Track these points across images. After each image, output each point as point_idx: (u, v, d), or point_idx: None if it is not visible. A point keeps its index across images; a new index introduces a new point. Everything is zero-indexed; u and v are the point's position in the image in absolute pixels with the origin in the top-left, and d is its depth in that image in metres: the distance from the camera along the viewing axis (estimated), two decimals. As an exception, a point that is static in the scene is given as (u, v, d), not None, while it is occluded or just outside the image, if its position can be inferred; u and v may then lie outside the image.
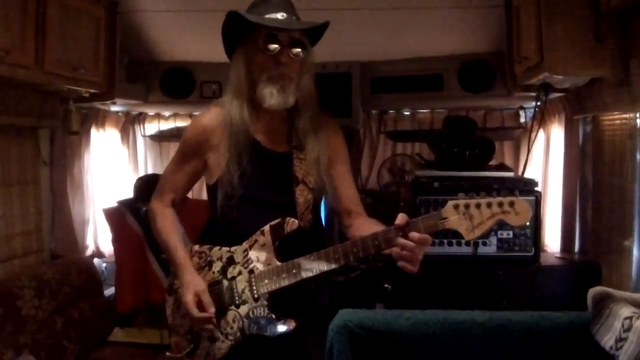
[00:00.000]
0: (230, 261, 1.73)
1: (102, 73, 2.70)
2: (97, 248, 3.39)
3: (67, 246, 3.02)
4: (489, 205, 1.45)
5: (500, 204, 1.45)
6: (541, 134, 3.08)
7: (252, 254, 1.70)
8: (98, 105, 3.15)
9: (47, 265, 2.77)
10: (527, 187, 2.60)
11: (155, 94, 3.29)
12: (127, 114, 3.65)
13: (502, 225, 2.53)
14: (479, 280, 2.57)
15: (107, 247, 3.36)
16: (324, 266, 1.60)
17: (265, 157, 1.76)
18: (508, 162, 3.43)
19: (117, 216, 3.13)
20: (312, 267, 1.61)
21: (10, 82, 2.29)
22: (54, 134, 2.95)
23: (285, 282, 1.64)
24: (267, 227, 1.69)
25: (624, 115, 2.35)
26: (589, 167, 2.79)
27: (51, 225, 2.98)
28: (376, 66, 3.28)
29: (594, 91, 2.38)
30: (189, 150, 1.82)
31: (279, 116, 1.77)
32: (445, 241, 2.61)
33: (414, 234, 1.48)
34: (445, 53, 3.13)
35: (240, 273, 1.71)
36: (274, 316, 1.66)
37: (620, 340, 1.66)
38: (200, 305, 1.68)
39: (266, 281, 1.66)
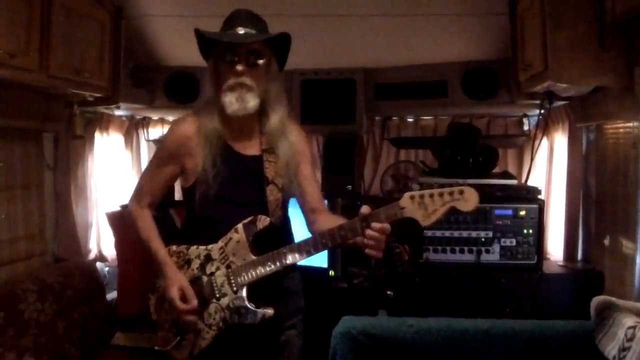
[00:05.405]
0: (208, 258, 1.86)
1: (107, 77, 2.72)
2: (100, 252, 3.39)
3: (70, 250, 3.02)
4: (441, 194, 1.61)
5: (451, 193, 1.60)
6: (545, 142, 3.08)
7: (228, 251, 1.83)
8: (102, 109, 3.16)
9: (50, 268, 2.76)
10: (530, 195, 2.60)
11: (160, 99, 3.31)
12: (131, 118, 3.67)
13: (505, 232, 2.56)
14: (481, 288, 2.56)
15: (110, 252, 3.37)
16: (296, 257, 1.78)
17: (237, 160, 1.90)
18: (511, 169, 3.42)
19: (120, 220, 3.13)
20: (286, 258, 1.77)
21: (14, 85, 2.30)
22: (58, 137, 2.96)
23: (261, 274, 1.79)
24: (240, 225, 1.83)
25: (628, 124, 2.35)
26: (592, 176, 2.78)
27: (54, 228, 2.98)
28: (380, 73, 3.29)
29: (598, 100, 2.38)
30: (167, 156, 1.94)
31: (248, 121, 1.90)
32: (448, 249, 2.60)
33: (376, 224, 1.64)
34: (449, 60, 3.15)
35: (218, 269, 1.84)
36: (253, 306, 1.80)
37: (624, 349, 1.66)
38: (184, 298, 1.82)
39: (243, 274, 1.81)
